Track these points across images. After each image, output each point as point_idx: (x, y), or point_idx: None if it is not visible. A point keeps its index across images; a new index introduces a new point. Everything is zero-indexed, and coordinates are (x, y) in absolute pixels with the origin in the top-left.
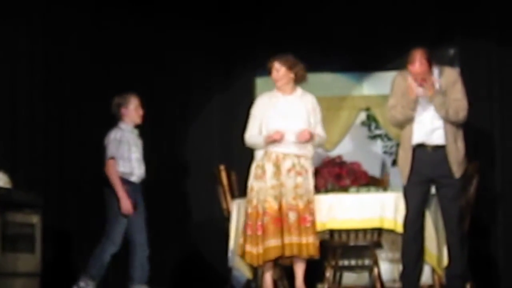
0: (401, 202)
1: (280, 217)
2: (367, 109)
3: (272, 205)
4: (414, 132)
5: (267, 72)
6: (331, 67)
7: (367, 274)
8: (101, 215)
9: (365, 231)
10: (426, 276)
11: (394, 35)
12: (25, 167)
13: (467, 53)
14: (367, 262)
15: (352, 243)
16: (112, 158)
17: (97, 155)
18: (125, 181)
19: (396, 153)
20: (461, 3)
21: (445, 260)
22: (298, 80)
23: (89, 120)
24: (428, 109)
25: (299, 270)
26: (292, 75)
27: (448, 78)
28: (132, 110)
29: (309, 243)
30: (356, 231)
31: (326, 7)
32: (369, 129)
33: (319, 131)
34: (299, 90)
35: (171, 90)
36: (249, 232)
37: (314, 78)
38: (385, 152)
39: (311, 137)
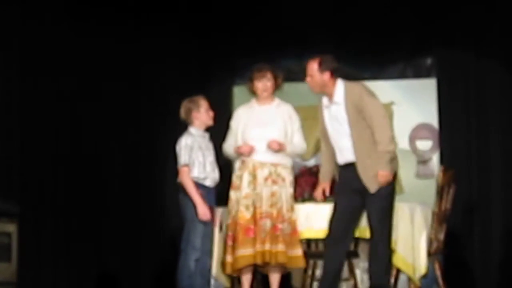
0: None
1: (252, 226)
2: None
3: (244, 214)
4: (336, 152)
5: (250, 79)
6: None
7: (344, 284)
8: (78, 223)
9: None
10: (401, 286)
11: (371, 44)
12: (1, 175)
13: (444, 63)
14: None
15: None
16: (186, 165)
17: (75, 165)
18: (200, 186)
19: None
20: (438, 13)
21: (421, 269)
22: (276, 90)
23: (66, 130)
24: (342, 127)
25: (274, 280)
26: (275, 85)
27: (353, 97)
28: (204, 113)
29: (279, 251)
30: None
31: (303, 17)
32: None
33: (296, 140)
34: (276, 100)
35: (148, 99)
36: (229, 242)
37: (291, 87)
38: None
39: (280, 147)
